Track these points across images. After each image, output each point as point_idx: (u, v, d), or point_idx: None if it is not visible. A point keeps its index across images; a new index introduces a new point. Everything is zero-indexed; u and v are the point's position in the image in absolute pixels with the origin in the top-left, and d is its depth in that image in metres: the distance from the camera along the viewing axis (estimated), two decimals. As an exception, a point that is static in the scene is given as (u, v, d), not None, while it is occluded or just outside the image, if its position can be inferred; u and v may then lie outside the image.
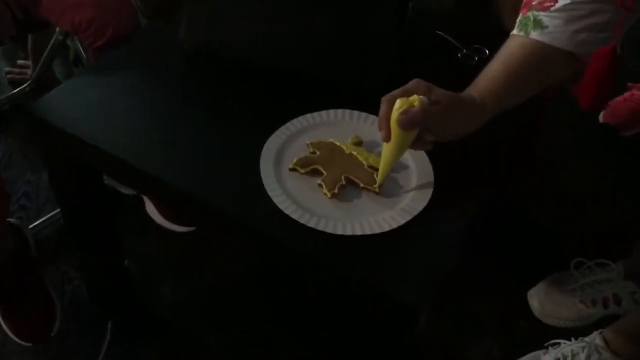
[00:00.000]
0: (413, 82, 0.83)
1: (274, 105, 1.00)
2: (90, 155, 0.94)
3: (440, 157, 0.90)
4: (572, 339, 1.23)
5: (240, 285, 1.38)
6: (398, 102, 0.80)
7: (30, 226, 1.40)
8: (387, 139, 0.82)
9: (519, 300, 1.38)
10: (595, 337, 1.21)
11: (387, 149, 0.84)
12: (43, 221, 1.44)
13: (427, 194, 0.87)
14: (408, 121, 0.79)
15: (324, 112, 0.97)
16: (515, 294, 1.39)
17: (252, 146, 0.91)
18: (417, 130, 0.81)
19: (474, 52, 1.11)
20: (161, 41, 1.12)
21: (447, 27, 1.18)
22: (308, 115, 0.96)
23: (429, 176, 0.90)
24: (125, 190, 1.46)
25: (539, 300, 1.36)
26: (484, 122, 0.85)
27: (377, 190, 0.86)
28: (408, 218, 0.84)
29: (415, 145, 0.83)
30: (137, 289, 1.36)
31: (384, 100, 0.82)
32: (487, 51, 1.11)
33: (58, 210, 1.43)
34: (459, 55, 1.11)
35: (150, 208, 1.44)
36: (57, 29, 1.47)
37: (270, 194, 0.85)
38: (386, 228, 0.82)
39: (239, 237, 0.89)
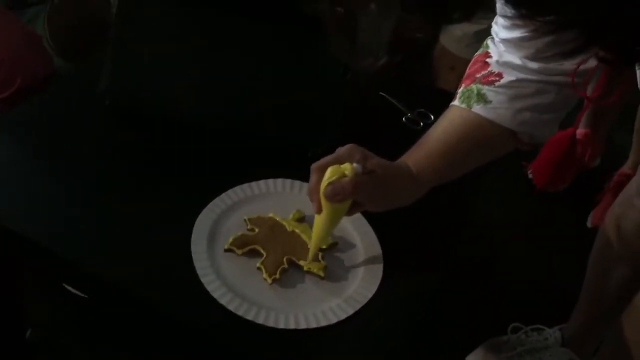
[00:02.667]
0: (346, 148, 0.75)
1: (207, 172, 0.90)
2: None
3: (388, 230, 0.84)
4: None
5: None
6: (328, 172, 0.72)
7: None
8: (319, 210, 0.74)
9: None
10: None
11: (318, 221, 0.76)
12: None
13: (376, 276, 0.80)
14: (336, 194, 0.71)
15: (262, 182, 0.88)
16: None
17: (183, 222, 0.81)
18: (349, 203, 0.74)
19: (418, 116, 1.06)
20: (78, 95, 1.00)
21: (389, 87, 1.13)
22: (245, 186, 0.87)
23: (377, 255, 0.83)
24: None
25: (478, 367, 1.31)
26: (418, 196, 0.79)
27: (322, 274, 0.78)
28: (357, 307, 0.76)
29: (351, 210, 0.76)
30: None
31: (314, 169, 0.75)
32: (432, 116, 1.06)
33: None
34: (404, 119, 1.06)
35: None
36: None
37: (203, 279, 0.75)
38: (333, 320, 0.74)
39: (165, 329, 0.78)
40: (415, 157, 0.79)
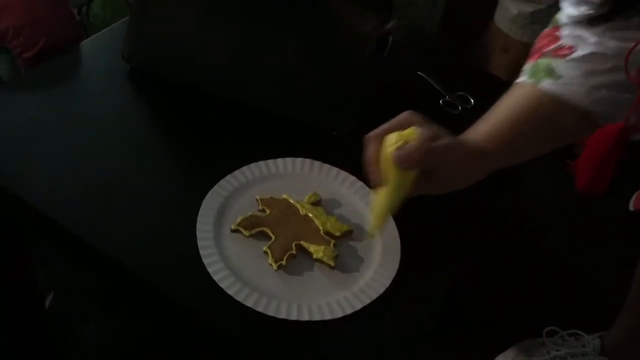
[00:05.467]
0: (405, 115, 0.68)
1: (224, 147, 0.86)
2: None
3: (410, 222, 0.78)
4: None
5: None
6: (393, 137, 0.65)
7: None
8: (377, 183, 0.68)
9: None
10: None
11: (380, 197, 0.69)
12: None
13: (391, 270, 0.74)
14: (407, 157, 0.64)
15: (279, 161, 0.83)
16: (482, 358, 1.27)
17: (193, 197, 0.77)
18: (416, 172, 0.66)
19: (457, 99, 0.99)
20: (103, 57, 0.97)
21: (429, 67, 1.05)
22: (261, 163, 0.82)
23: (395, 247, 0.76)
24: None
25: (507, 368, 1.24)
26: (480, 178, 0.70)
27: (332, 264, 0.73)
28: (366, 301, 0.70)
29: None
30: (58, 330, 1.20)
31: (371, 137, 0.68)
32: (472, 100, 0.98)
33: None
34: (441, 101, 0.98)
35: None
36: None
37: (205, 260, 0.71)
38: (339, 313, 0.69)
39: (160, 309, 0.75)
40: (478, 133, 0.70)
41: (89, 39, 1.00)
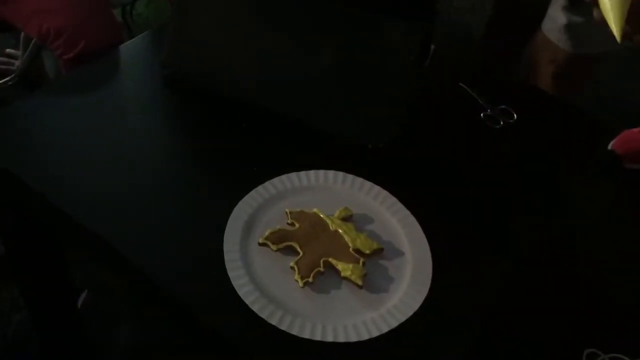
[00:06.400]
0: None
1: (256, 156, 0.84)
2: (34, 203, 0.80)
3: (443, 240, 0.76)
4: None
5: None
6: None
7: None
8: None
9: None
10: None
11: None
12: None
13: (421, 292, 0.71)
14: None
15: (311, 173, 0.81)
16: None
17: (222, 207, 0.76)
18: None
19: (499, 113, 0.95)
20: (141, 61, 0.97)
21: (470, 78, 1.02)
22: (293, 175, 0.81)
23: (426, 267, 0.74)
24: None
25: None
26: None
27: (359, 283, 0.71)
28: (394, 324, 0.68)
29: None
30: (90, 328, 1.21)
31: None
32: (514, 115, 0.95)
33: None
34: (482, 115, 0.95)
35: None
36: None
37: (231, 274, 0.70)
38: (364, 336, 0.67)
39: (185, 319, 0.74)
40: None
41: (129, 42, 1.00)
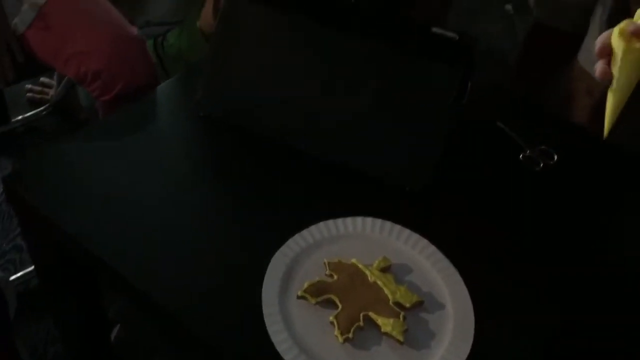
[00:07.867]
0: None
1: (292, 202, 0.84)
2: (66, 244, 0.80)
3: (484, 289, 0.74)
4: None
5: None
6: (623, 22, 0.66)
7: (19, 274, 1.27)
8: (606, 73, 0.67)
9: None
10: None
11: (614, 88, 0.68)
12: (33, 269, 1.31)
13: (465, 348, 0.70)
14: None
15: (348, 220, 0.80)
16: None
17: (259, 256, 0.75)
18: None
19: (539, 154, 0.93)
20: (177, 102, 0.97)
21: (508, 115, 1.00)
22: (330, 222, 0.80)
23: (469, 319, 0.72)
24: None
25: None
26: None
27: (401, 339, 0.69)
28: (437, 384, 0.67)
29: None
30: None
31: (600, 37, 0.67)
32: (555, 156, 0.93)
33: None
34: (521, 156, 0.93)
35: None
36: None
37: (270, 329, 0.69)
38: (407, 396, 0.66)
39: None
40: None
41: (164, 83, 1.01)
